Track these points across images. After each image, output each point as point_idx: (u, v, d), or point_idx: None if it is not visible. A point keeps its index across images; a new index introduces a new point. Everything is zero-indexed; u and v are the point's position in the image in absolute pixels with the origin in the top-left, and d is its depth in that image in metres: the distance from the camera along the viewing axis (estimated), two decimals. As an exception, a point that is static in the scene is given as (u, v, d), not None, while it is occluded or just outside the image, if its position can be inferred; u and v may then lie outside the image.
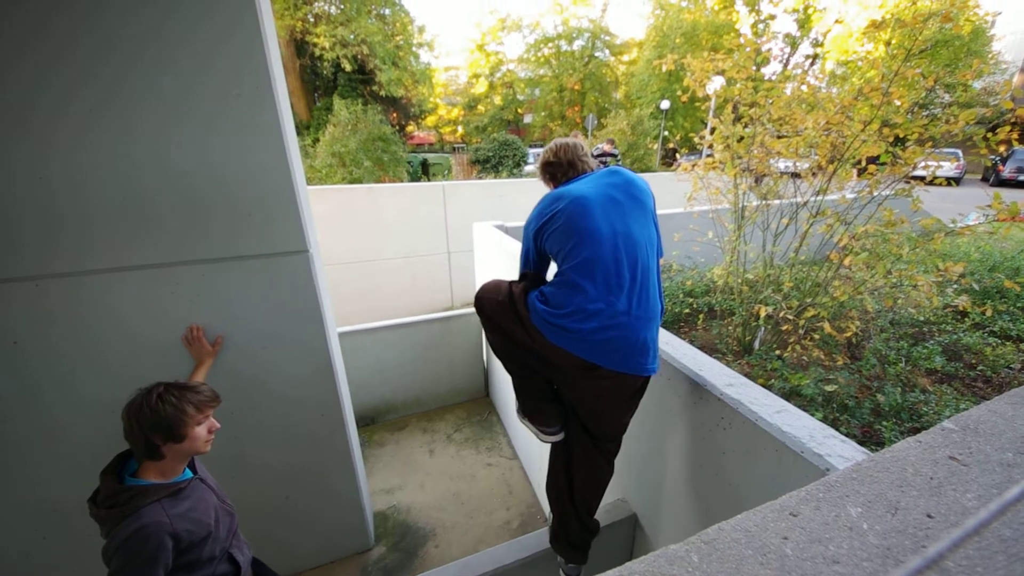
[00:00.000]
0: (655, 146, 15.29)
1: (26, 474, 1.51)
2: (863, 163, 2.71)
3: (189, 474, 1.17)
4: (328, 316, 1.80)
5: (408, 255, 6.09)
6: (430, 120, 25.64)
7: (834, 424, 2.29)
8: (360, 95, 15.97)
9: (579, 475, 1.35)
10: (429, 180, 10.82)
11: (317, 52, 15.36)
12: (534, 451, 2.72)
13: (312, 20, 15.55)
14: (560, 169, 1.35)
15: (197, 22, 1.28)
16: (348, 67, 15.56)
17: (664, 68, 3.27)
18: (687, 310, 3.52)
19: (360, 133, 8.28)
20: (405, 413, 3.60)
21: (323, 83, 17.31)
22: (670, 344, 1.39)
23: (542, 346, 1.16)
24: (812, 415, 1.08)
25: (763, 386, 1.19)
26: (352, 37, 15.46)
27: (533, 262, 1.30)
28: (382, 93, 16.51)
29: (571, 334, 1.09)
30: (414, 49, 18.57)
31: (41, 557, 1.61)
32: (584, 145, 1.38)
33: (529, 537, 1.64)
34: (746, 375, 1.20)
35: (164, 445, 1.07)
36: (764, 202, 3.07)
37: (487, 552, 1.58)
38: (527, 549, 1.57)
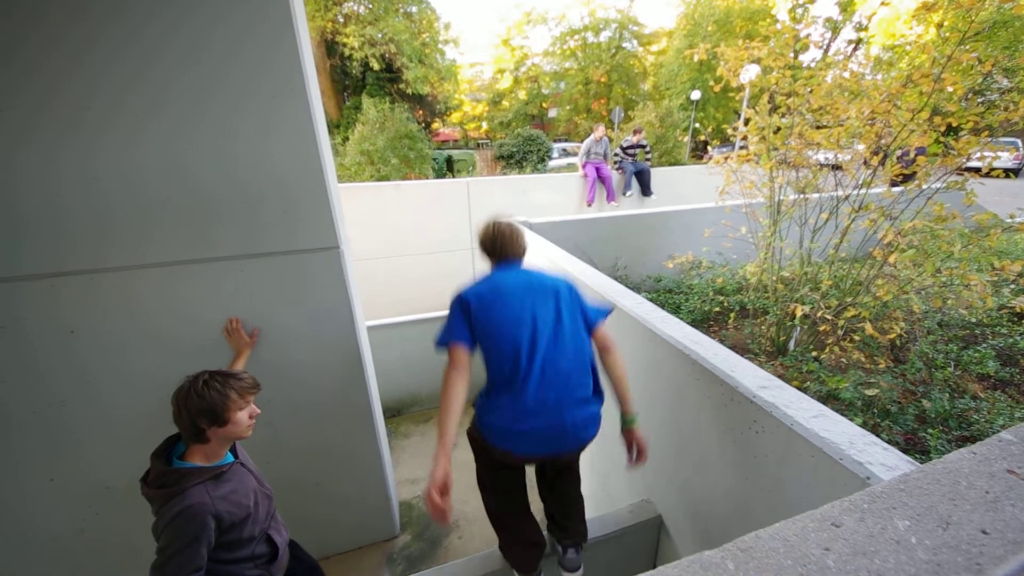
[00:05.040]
0: (685, 138, 14.86)
1: (80, 454, 1.63)
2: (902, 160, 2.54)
3: (231, 458, 1.23)
4: (357, 310, 1.85)
5: (433, 251, 6.17)
6: (455, 117, 25.79)
7: (875, 430, 2.18)
8: (388, 93, 16.23)
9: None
10: (454, 176, 10.91)
11: (346, 52, 15.70)
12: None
13: (342, 20, 15.89)
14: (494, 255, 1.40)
15: (244, 33, 1.33)
16: (376, 66, 15.84)
17: (696, 58, 3.16)
18: (717, 308, 3.42)
19: (388, 131, 8.43)
20: (430, 406, 3.67)
21: (352, 82, 17.69)
22: (700, 344, 1.36)
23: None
24: (851, 420, 1.03)
25: (798, 389, 1.14)
26: (380, 36, 15.72)
27: None
28: (409, 91, 16.73)
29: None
30: (440, 46, 18.71)
31: (94, 532, 1.73)
32: (518, 232, 1.41)
33: (552, 533, 1.64)
34: (780, 377, 1.16)
35: (209, 429, 1.13)
36: (802, 196, 2.94)
37: (510, 546, 1.59)
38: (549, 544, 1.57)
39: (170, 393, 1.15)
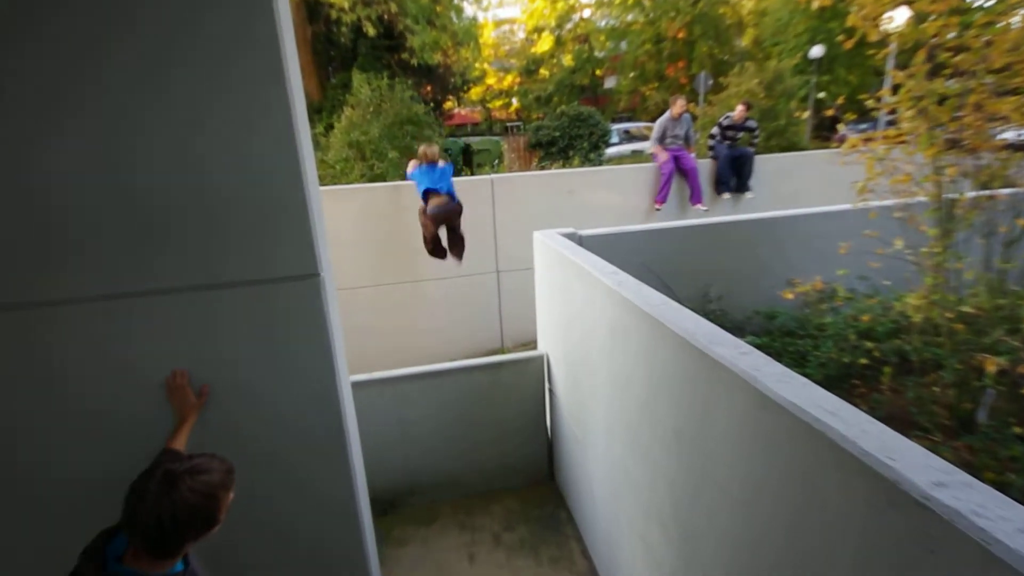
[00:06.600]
0: (804, 113, 14.72)
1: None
2: None
3: (181, 566, 1.27)
4: (340, 360, 1.90)
5: (443, 276, 6.31)
6: (475, 92, 26.88)
7: None
8: (386, 66, 17.12)
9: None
10: (472, 172, 11.23)
11: (334, 15, 16.78)
12: (623, 565, 2.61)
13: (329, -25, 17.12)
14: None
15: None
16: (371, 31, 16.79)
17: (815, 3, 3.21)
18: (864, 360, 3.27)
19: (385, 115, 8.85)
20: (435, 498, 3.65)
21: (340, 53, 18.84)
22: (838, 415, 1.30)
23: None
24: (1087, 539, 0.95)
25: (993, 484, 1.07)
26: (378, -8, 16.77)
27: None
28: (413, 62, 17.57)
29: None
30: (456, 2, 19.72)
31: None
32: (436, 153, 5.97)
33: None
34: (966, 466, 1.09)
35: (198, 540, 1.22)
36: (985, 193, 2.84)
37: None
38: None
39: (99, 468, 1.21)
